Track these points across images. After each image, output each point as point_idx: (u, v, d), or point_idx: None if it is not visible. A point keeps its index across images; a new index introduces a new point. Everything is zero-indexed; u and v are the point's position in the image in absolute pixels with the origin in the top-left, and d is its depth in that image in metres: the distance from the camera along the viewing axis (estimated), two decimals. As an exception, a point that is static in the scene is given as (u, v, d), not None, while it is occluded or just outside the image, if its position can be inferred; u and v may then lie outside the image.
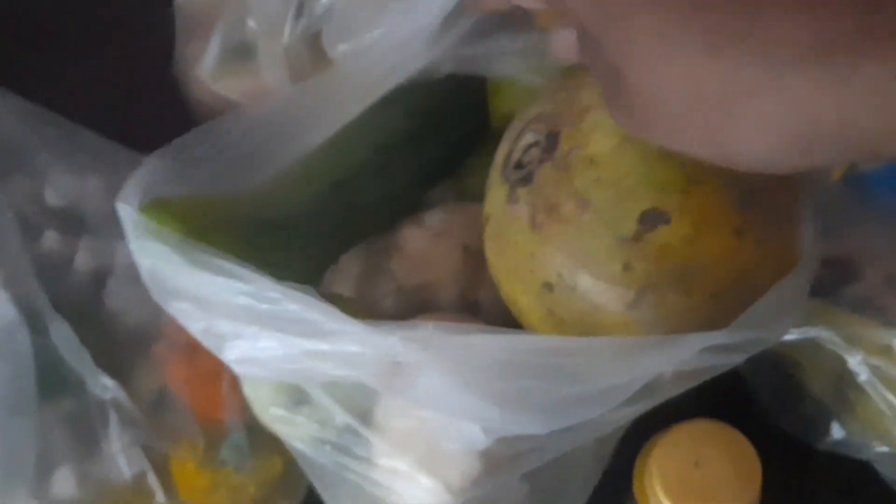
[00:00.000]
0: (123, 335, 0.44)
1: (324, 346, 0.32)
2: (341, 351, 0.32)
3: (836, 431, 0.38)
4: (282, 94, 0.40)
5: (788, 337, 0.37)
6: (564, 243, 0.32)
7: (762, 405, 0.41)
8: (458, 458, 0.34)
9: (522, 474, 0.36)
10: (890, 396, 0.36)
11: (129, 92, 0.52)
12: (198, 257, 0.31)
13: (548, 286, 0.33)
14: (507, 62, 0.41)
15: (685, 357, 0.31)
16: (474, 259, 0.41)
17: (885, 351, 0.36)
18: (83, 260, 0.45)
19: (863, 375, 0.37)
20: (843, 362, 0.37)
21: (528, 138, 0.35)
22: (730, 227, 0.31)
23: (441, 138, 0.42)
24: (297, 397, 0.36)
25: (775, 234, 0.32)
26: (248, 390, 0.38)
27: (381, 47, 0.38)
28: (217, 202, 0.35)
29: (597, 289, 0.32)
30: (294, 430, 0.37)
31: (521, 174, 0.34)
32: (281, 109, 0.39)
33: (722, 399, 0.43)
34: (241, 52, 0.47)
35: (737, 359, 0.32)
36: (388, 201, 0.41)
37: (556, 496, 0.37)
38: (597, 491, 0.38)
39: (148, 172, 0.34)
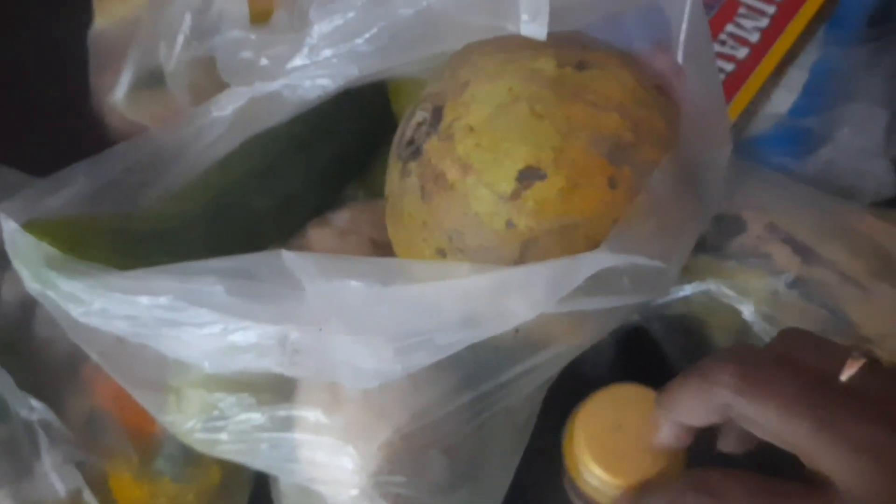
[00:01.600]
0: (53, 360, 0.45)
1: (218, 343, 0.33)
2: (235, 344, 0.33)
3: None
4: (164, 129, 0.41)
5: (683, 293, 0.39)
6: (451, 208, 0.34)
7: (677, 367, 0.42)
8: (374, 426, 0.35)
9: (441, 448, 0.37)
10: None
11: (48, 124, 0.54)
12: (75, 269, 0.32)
13: (441, 252, 0.35)
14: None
15: (570, 285, 0.31)
16: (383, 251, 0.42)
17: (772, 298, 0.37)
18: (9, 291, 0.46)
19: (757, 325, 0.38)
20: (738, 314, 0.38)
21: (418, 117, 0.37)
22: (603, 179, 0.33)
23: (334, 140, 0.43)
24: (214, 416, 0.37)
25: (646, 182, 0.33)
26: (167, 424, 0.38)
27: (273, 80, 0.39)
28: (96, 219, 0.36)
29: (484, 248, 0.33)
30: (224, 446, 0.37)
31: (411, 150, 0.36)
32: (167, 138, 0.40)
33: (641, 365, 0.45)
34: (152, 79, 0.48)
35: (629, 299, 0.33)
36: (284, 205, 0.42)
37: (477, 468, 0.38)
38: (532, 463, 0.39)
39: (30, 196, 0.35)
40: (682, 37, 0.33)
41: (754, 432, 0.30)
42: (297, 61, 0.35)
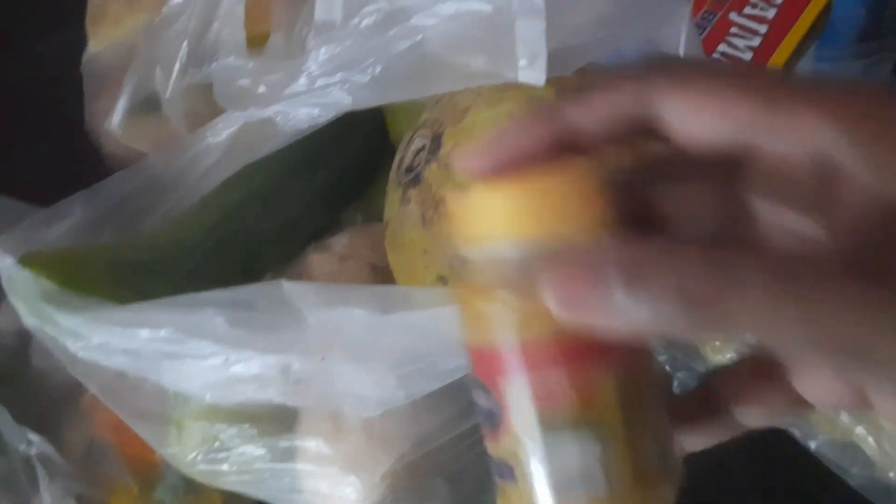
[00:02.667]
0: (51, 391, 0.45)
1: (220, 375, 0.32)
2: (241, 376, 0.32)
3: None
4: (160, 155, 0.41)
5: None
6: (452, 235, 0.34)
7: (676, 380, 0.42)
8: (377, 455, 0.34)
9: (444, 475, 0.36)
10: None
11: (43, 150, 0.54)
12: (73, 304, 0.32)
13: (442, 279, 0.35)
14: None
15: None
16: (383, 276, 0.42)
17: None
18: (5, 321, 0.46)
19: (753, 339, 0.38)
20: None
21: (417, 143, 0.37)
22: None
23: (332, 165, 0.43)
24: (215, 447, 0.36)
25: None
26: (168, 456, 0.38)
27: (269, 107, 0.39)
28: (94, 251, 0.36)
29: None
30: (226, 477, 0.37)
31: (411, 176, 0.36)
32: (163, 166, 0.40)
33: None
34: (148, 105, 0.48)
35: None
36: (284, 230, 0.42)
37: (480, 495, 0.37)
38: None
39: (26, 229, 0.35)
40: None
41: (678, 139, 0.22)
42: (293, 89, 0.35)
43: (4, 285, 0.34)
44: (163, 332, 0.32)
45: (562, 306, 0.19)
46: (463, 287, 0.23)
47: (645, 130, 0.22)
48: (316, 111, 0.36)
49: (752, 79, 0.21)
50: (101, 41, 0.54)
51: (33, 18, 0.62)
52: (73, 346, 0.33)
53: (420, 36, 0.33)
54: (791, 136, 0.20)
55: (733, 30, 0.47)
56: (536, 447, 0.21)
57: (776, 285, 0.18)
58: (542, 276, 0.19)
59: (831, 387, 0.22)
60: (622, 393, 0.21)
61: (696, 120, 0.21)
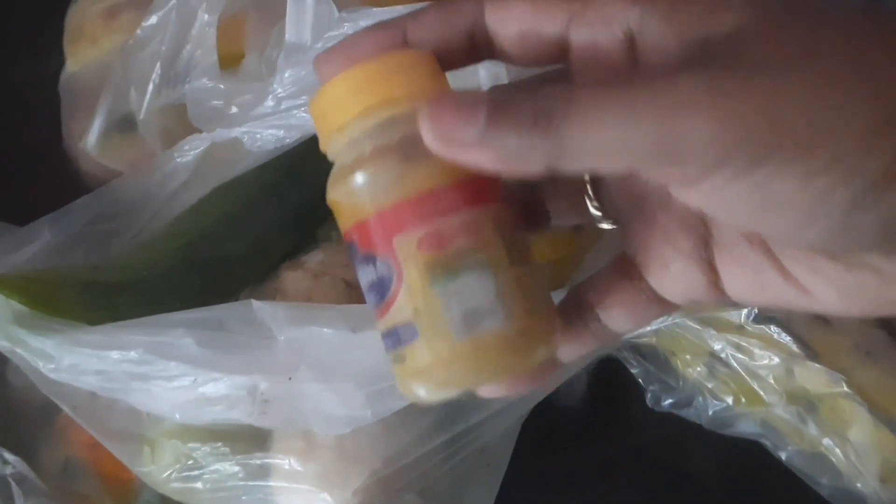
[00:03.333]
0: (27, 410, 0.45)
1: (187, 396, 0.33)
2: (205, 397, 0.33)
3: (717, 409, 0.40)
4: (128, 177, 0.42)
5: (652, 326, 0.39)
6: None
7: (648, 394, 0.43)
8: (349, 472, 0.35)
9: (416, 490, 0.37)
10: (752, 365, 0.38)
11: (23, 170, 0.54)
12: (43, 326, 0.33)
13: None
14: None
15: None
16: (357, 292, 0.42)
17: (738, 329, 0.38)
18: (-18, 339, 0.46)
19: (724, 353, 0.39)
20: (707, 344, 0.39)
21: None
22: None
23: (305, 183, 0.43)
24: (189, 466, 0.37)
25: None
26: (143, 475, 0.38)
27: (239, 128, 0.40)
28: (65, 273, 0.36)
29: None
30: (200, 495, 0.37)
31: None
32: (131, 187, 0.40)
33: (614, 394, 0.45)
34: (124, 124, 0.49)
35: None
36: (257, 250, 0.42)
37: (454, 507, 0.38)
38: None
39: None
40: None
41: (506, 48, 0.24)
42: (260, 110, 0.36)
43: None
44: (132, 354, 0.32)
45: (439, 141, 0.21)
46: (337, 172, 0.24)
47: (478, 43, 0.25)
48: (281, 132, 0.36)
49: None
50: (78, 61, 0.54)
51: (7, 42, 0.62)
52: (44, 367, 0.33)
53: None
54: (600, 25, 0.23)
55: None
56: (438, 291, 0.22)
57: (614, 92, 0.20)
58: (421, 115, 0.21)
59: (683, 278, 0.24)
60: (501, 228, 0.23)
61: (518, 27, 0.24)
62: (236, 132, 0.37)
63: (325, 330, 0.33)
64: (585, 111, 0.20)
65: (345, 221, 0.24)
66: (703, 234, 0.24)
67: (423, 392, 0.24)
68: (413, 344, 0.23)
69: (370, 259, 0.23)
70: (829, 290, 0.23)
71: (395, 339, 0.23)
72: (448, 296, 0.23)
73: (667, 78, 0.20)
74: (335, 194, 0.24)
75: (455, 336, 0.23)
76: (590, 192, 0.26)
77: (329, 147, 0.25)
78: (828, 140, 0.19)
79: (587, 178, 0.26)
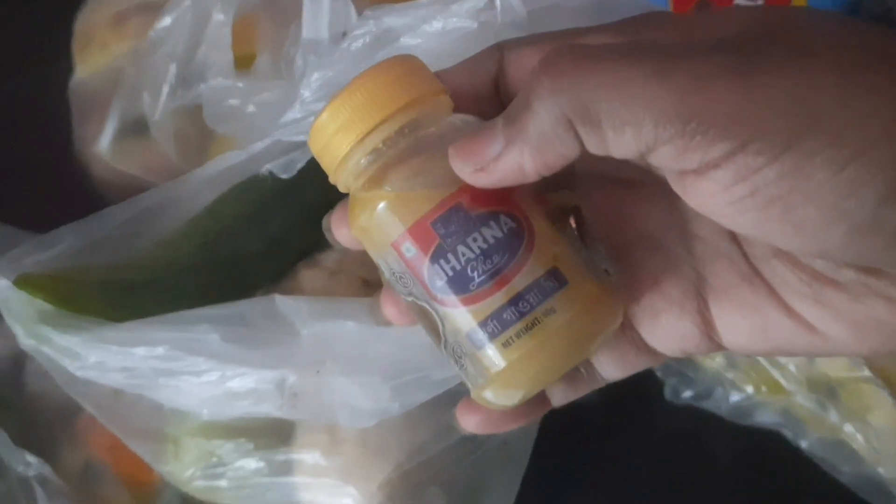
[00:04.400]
0: (47, 413, 0.45)
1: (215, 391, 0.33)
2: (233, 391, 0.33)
3: (737, 399, 0.40)
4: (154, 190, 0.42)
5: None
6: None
7: (668, 385, 0.43)
8: (373, 465, 0.35)
9: (439, 483, 0.37)
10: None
11: (33, 175, 0.54)
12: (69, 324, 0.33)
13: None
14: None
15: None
16: (373, 289, 0.42)
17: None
18: (1, 347, 0.46)
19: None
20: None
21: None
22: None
23: (321, 182, 0.43)
24: (212, 463, 0.37)
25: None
26: (165, 474, 0.38)
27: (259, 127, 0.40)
28: (87, 272, 0.36)
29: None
30: (224, 493, 0.37)
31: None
32: (155, 198, 0.40)
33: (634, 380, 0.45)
34: (136, 128, 0.49)
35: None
36: (274, 248, 0.42)
37: (475, 499, 0.38)
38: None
39: (19, 253, 0.35)
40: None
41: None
42: (288, 116, 0.36)
43: (0, 307, 0.34)
44: (159, 350, 0.32)
45: (476, 176, 0.22)
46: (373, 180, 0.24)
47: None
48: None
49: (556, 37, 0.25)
50: (87, 67, 0.55)
51: (14, 52, 0.62)
52: (71, 365, 0.33)
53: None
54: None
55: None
56: (564, 238, 0.23)
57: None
58: (451, 152, 0.22)
59: (675, 329, 0.24)
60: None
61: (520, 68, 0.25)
62: (267, 142, 0.37)
63: (349, 323, 0.33)
64: (615, 70, 0.20)
65: (405, 217, 0.23)
66: (695, 282, 0.24)
67: (566, 351, 0.22)
68: (560, 294, 0.22)
69: (483, 222, 0.22)
70: (839, 325, 0.22)
71: (524, 305, 0.22)
72: (571, 241, 0.23)
73: (697, 51, 0.20)
74: (374, 205, 0.24)
75: (593, 277, 0.22)
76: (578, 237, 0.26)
77: (343, 171, 0.25)
78: (858, 127, 0.18)
79: (573, 223, 0.26)
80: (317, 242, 0.46)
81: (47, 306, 0.34)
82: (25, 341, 0.34)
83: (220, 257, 0.41)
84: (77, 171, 0.52)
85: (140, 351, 0.33)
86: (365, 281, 0.44)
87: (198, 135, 0.47)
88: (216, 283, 0.40)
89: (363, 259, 0.45)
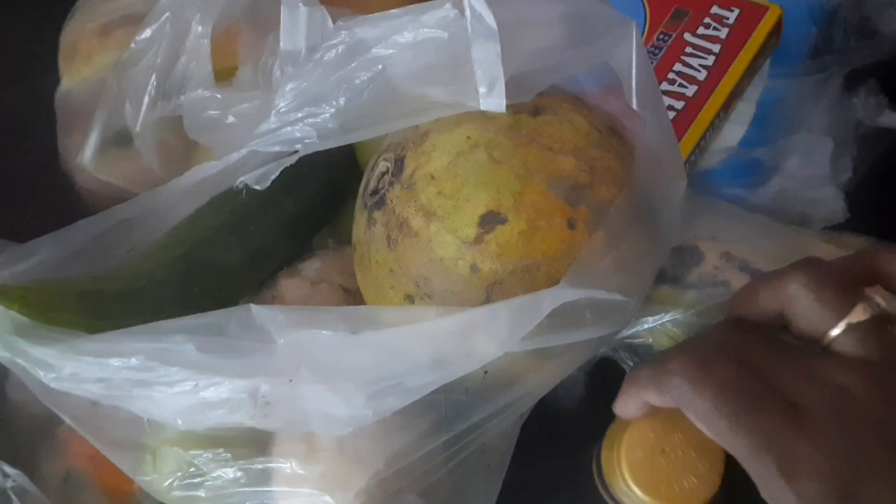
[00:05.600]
0: (27, 423, 0.45)
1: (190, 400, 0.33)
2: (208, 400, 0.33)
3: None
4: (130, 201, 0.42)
5: (648, 324, 0.40)
6: (417, 255, 0.35)
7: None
8: (350, 474, 0.35)
9: (416, 491, 0.37)
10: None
11: (18, 186, 0.54)
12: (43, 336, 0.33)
13: (409, 297, 0.35)
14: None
15: (533, 322, 0.32)
16: (354, 298, 0.42)
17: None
18: (-20, 355, 0.46)
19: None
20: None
21: (381, 167, 0.38)
22: (562, 220, 0.34)
23: (301, 192, 0.44)
24: (190, 473, 0.37)
25: (600, 220, 0.35)
26: (144, 484, 0.38)
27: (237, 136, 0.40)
28: (64, 283, 0.36)
29: (450, 292, 0.34)
30: (203, 502, 0.37)
31: (376, 199, 0.37)
32: (132, 210, 0.41)
33: (612, 395, 0.45)
34: (120, 138, 0.49)
35: (592, 333, 0.34)
36: (254, 258, 0.42)
37: (455, 507, 0.38)
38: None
39: None
40: (633, 85, 0.34)
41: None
42: (264, 127, 0.36)
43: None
44: (133, 360, 0.32)
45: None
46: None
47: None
48: (286, 148, 0.36)
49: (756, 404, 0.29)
50: (73, 78, 0.55)
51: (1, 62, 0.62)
52: (45, 377, 0.33)
53: (380, 66, 0.34)
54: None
55: (688, 49, 0.48)
56: None
57: None
58: None
59: None
60: None
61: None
62: (243, 153, 0.37)
63: (325, 332, 0.33)
64: None
65: None
66: None
67: None
68: None
69: None
70: None
71: None
72: None
73: None
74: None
75: None
76: None
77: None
78: None
79: None
80: (297, 253, 0.46)
81: (22, 318, 0.34)
82: (0, 353, 0.34)
83: (199, 268, 0.41)
84: (62, 181, 0.52)
85: (114, 362, 0.33)
86: (346, 290, 0.44)
87: (180, 145, 0.47)
88: (195, 294, 0.40)
89: (343, 268, 0.46)
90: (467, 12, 0.32)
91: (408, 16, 0.33)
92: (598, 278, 0.33)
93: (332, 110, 0.35)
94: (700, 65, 0.47)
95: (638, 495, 0.36)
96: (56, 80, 0.55)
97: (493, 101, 0.33)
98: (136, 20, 0.54)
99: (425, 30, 0.33)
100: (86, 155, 0.49)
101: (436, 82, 0.34)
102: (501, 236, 0.34)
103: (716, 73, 0.47)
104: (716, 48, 0.48)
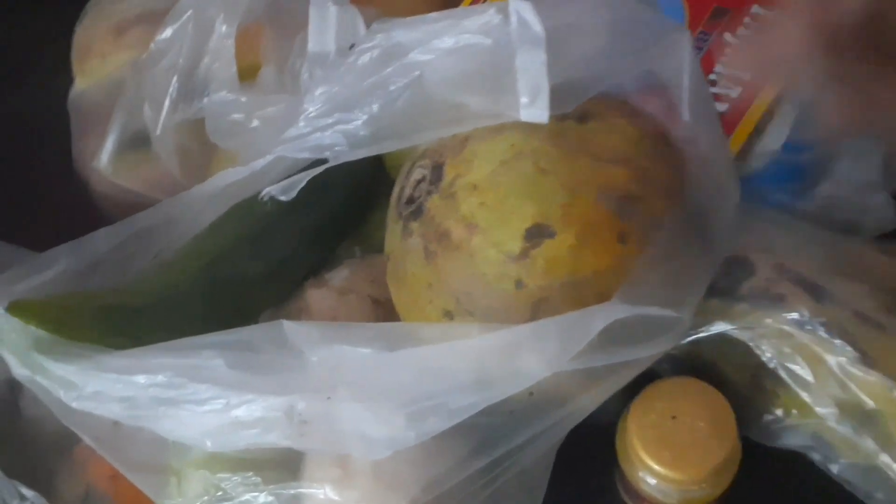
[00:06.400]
0: (44, 441, 0.43)
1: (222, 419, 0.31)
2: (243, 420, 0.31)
3: (765, 421, 0.39)
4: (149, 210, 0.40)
5: (695, 336, 0.38)
6: (457, 269, 0.33)
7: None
8: (387, 500, 0.33)
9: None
10: (803, 374, 0.36)
11: (31, 191, 0.53)
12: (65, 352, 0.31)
13: (448, 314, 0.33)
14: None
15: (584, 340, 0.31)
16: (384, 310, 0.41)
17: (788, 339, 0.37)
18: (-5, 370, 0.44)
19: (773, 364, 0.37)
20: (754, 355, 0.37)
21: (417, 174, 0.36)
22: (612, 234, 0.32)
23: (326, 199, 0.42)
24: (218, 497, 0.35)
25: (655, 234, 0.33)
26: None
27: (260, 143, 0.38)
28: (85, 297, 0.35)
29: (494, 309, 0.32)
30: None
31: (412, 208, 0.35)
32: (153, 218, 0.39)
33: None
34: (137, 141, 0.47)
35: (643, 352, 0.32)
36: (278, 269, 0.41)
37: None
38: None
39: (12, 277, 0.33)
40: (686, 95, 0.32)
41: None
42: (292, 132, 0.34)
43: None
44: (160, 378, 0.31)
45: None
46: None
47: None
48: (314, 155, 0.35)
49: None
50: (87, 79, 0.53)
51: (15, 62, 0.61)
52: (67, 396, 0.31)
53: (418, 72, 0.32)
54: None
55: (728, 51, 0.46)
56: None
57: None
58: None
59: None
60: None
61: None
62: (269, 159, 0.35)
63: (361, 349, 0.31)
64: None
65: None
66: None
67: None
68: None
69: None
70: None
71: None
72: None
73: None
74: None
75: None
76: None
77: None
78: None
79: None
80: (323, 261, 0.45)
81: (42, 333, 0.32)
82: (19, 371, 0.32)
83: (222, 280, 0.39)
84: (76, 185, 0.51)
85: (140, 379, 0.31)
86: (375, 300, 0.42)
87: (200, 149, 0.45)
88: (219, 305, 0.39)
89: (373, 277, 0.44)
90: (513, 18, 0.30)
91: (448, 20, 0.31)
92: (651, 294, 0.31)
93: (365, 117, 0.33)
94: (743, 67, 0.45)
95: (649, 465, 0.35)
96: (68, 81, 0.54)
97: (536, 112, 0.32)
98: (151, 19, 0.53)
99: (467, 35, 0.31)
100: (102, 158, 0.47)
101: (474, 90, 0.33)
102: (549, 251, 0.32)
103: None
104: (759, 49, 0.46)
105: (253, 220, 0.41)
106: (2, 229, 0.46)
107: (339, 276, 0.42)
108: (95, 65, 0.53)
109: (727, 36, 0.47)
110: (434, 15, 0.31)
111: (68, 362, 0.32)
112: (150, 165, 0.47)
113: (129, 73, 0.46)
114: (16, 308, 0.32)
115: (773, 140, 0.46)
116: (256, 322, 0.40)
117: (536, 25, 0.29)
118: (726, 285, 0.38)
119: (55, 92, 0.53)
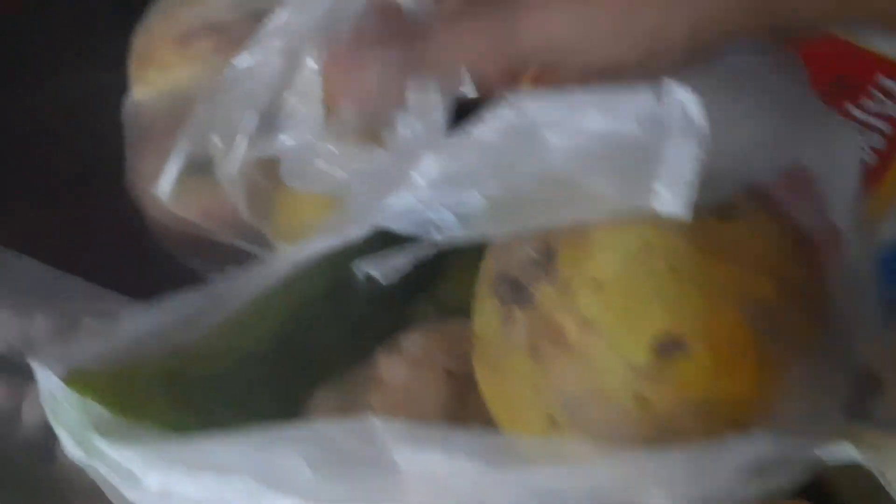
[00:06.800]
0: (81, 489, 0.40)
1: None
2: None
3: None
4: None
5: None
6: (570, 372, 0.29)
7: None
8: None
9: None
10: None
11: (78, 214, 0.49)
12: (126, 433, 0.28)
13: (551, 419, 0.30)
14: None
15: (718, 477, 0.27)
16: (460, 384, 0.37)
17: (920, 467, 0.33)
18: (31, 411, 0.41)
19: (899, 493, 0.34)
20: (878, 483, 0.34)
21: (522, 252, 0.32)
22: (753, 352, 0.29)
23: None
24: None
25: (799, 356, 0.29)
26: None
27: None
28: (145, 365, 0.31)
29: (608, 424, 0.29)
30: None
31: (518, 293, 0.31)
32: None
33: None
34: (197, 167, 0.44)
35: (776, 483, 0.29)
36: (351, 330, 0.37)
37: None
38: None
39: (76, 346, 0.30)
40: (838, 198, 0.29)
41: None
42: (397, 201, 0.30)
43: (46, 408, 0.29)
44: (236, 481, 0.27)
45: None
46: None
47: None
48: (421, 232, 0.31)
49: None
50: (146, 88, 0.50)
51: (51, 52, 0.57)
52: (126, 489, 0.28)
53: (548, 154, 0.28)
54: None
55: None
56: None
57: None
58: None
59: None
60: None
61: None
62: (367, 229, 0.32)
63: (460, 462, 0.28)
64: None
65: None
66: None
67: None
68: None
69: None
70: None
71: None
72: None
73: None
74: None
75: None
76: None
77: None
78: None
79: None
80: (393, 323, 0.41)
81: (101, 409, 0.29)
82: (73, 451, 0.29)
83: (294, 343, 0.35)
84: (127, 202, 0.47)
85: (212, 479, 0.27)
86: (450, 373, 0.38)
87: (270, 187, 0.42)
88: (290, 373, 0.35)
89: (449, 346, 0.40)
90: (674, 109, 0.26)
91: (595, 98, 0.27)
92: (793, 424, 0.28)
93: (482, 197, 0.29)
94: (868, 145, 0.42)
95: None
96: (121, 79, 0.50)
97: (675, 207, 0.28)
98: (220, 30, 0.49)
99: (615, 120, 0.27)
100: (163, 184, 0.43)
101: (606, 174, 0.29)
102: (680, 367, 0.28)
103: (888, 155, 0.41)
104: (885, 127, 0.42)
105: (329, 275, 0.37)
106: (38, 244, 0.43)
107: (413, 342, 0.39)
108: (155, 75, 0.49)
109: (851, 108, 0.43)
110: (578, 92, 0.27)
111: (129, 447, 0.28)
112: (209, 195, 0.44)
113: (198, 94, 0.43)
114: (74, 378, 0.28)
115: (890, 229, 0.42)
116: (319, 390, 0.37)
117: (701, 120, 0.26)
118: (850, 403, 0.34)
119: (107, 87, 0.50)
